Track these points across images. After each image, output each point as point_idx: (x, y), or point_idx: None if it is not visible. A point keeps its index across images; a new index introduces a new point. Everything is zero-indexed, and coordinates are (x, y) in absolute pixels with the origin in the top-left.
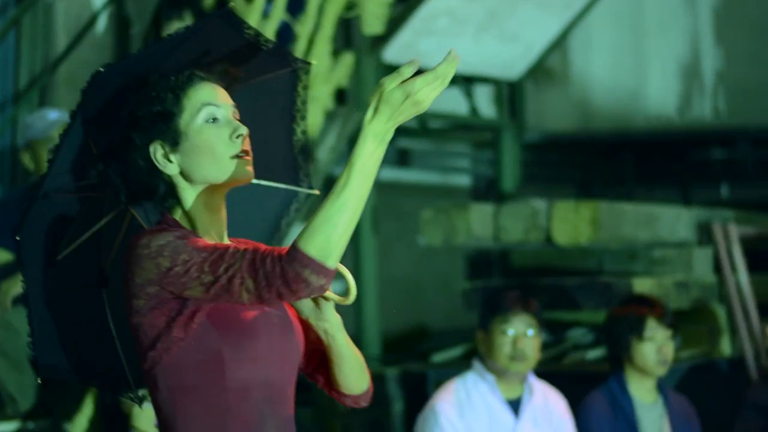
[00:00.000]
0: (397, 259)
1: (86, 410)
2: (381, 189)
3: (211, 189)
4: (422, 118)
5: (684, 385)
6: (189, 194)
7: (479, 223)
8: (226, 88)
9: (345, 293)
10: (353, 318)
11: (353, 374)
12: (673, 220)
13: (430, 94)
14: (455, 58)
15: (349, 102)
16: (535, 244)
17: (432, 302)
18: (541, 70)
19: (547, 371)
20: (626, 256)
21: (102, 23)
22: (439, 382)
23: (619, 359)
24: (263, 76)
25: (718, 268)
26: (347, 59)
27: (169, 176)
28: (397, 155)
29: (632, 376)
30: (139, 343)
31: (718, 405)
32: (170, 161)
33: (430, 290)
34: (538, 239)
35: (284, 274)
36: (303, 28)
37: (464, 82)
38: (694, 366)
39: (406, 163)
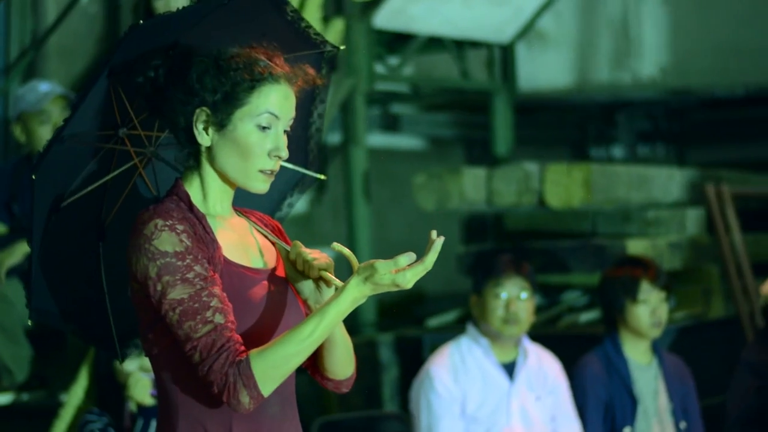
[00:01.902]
0: (390, 224)
1: (81, 381)
2: (373, 155)
3: (224, 178)
4: (414, 84)
5: (678, 345)
6: (207, 169)
7: (472, 188)
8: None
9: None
10: None
11: (341, 360)
12: (666, 181)
13: (413, 280)
14: (439, 243)
15: (340, 68)
16: (528, 207)
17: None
18: (533, 33)
19: (541, 334)
20: (619, 218)
21: None
22: (435, 347)
23: (613, 321)
24: (293, 53)
25: (711, 228)
26: (337, 25)
27: (198, 143)
28: (389, 121)
29: (626, 337)
30: (140, 321)
31: (713, 365)
32: (207, 134)
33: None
34: (531, 202)
35: (226, 376)
36: None
37: (455, 46)
38: (689, 326)
39: (399, 128)
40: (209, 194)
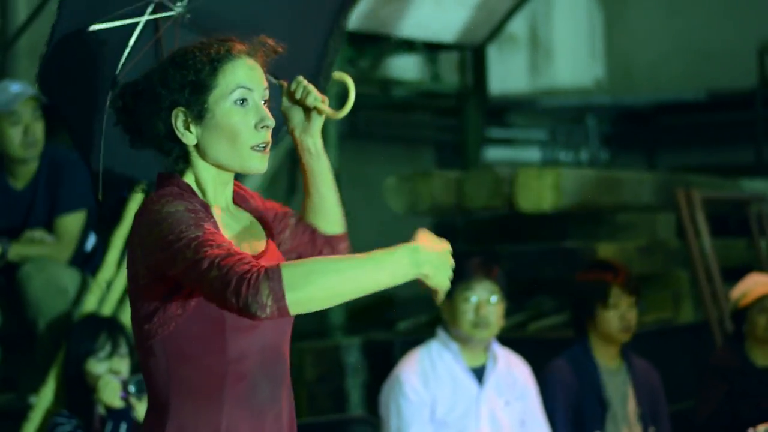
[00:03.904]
0: (361, 226)
1: (50, 383)
2: (345, 157)
3: (220, 168)
4: (386, 86)
5: (648, 350)
6: (200, 165)
7: (443, 191)
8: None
9: (338, 108)
10: None
11: (328, 206)
12: (636, 186)
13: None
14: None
15: None
16: (499, 210)
17: None
18: (504, 36)
19: (510, 338)
20: (589, 222)
21: None
22: (405, 351)
23: (582, 326)
24: None
25: (681, 233)
26: None
27: (185, 144)
28: (361, 123)
29: (596, 342)
30: (136, 311)
31: (682, 370)
32: (189, 131)
33: None
34: (502, 206)
35: (249, 286)
36: None
37: (426, 49)
38: (658, 331)
39: (371, 131)
40: (207, 190)
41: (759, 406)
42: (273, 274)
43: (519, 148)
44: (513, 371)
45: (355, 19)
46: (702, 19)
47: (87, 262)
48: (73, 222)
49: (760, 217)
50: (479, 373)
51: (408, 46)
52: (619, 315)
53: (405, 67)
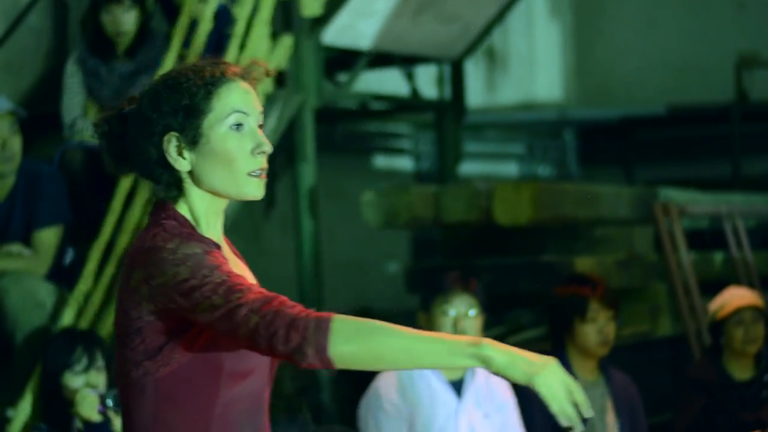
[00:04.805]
0: (339, 241)
1: (28, 396)
2: (323, 171)
3: (215, 196)
4: (364, 100)
5: (626, 363)
6: (194, 193)
7: (420, 205)
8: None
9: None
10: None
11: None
12: (614, 199)
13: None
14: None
15: (289, 84)
16: (477, 224)
17: (374, 284)
18: (484, 50)
19: None
20: (567, 236)
21: (39, 8)
22: None
23: (560, 339)
24: None
25: (659, 246)
26: (286, 41)
27: (177, 171)
28: (339, 137)
29: (574, 355)
30: (133, 348)
31: (660, 383)
32: (183, 157)
33: (373, 272)
34: (480, 219)
35: (298, 333)
36: (241, 11)
37: (405, 63)
38: (636, 344)
39: (349, 144)
40: (200, 220)
41: (736, 419)
42: (322, 324)
43: (496, 162)
44: (491, 384)
45: (333, 34)
46: (679, 34)
47: (64, 276)
48: (50, 236)
49: (736, 231)
50: (458, 386)
51: (386, 60)
52: (597, 329)
53: (383, 81)
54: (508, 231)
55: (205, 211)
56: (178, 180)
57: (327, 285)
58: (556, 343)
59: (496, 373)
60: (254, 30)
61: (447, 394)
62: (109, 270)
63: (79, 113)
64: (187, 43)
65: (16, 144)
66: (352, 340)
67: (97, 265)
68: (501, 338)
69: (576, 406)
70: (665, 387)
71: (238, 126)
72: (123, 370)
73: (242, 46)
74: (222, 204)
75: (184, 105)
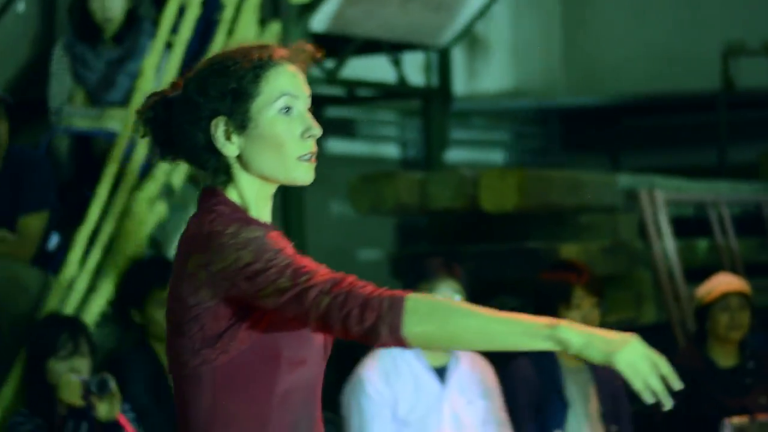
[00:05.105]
0: (325, 227)
1: (11, 382)
2: None
3: (264, 181)
4: (350, 87)
5: None
6: (243, 179)
7: (407, 191)
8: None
9: None
10: None
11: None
12: (599, 187)
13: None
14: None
15: None
16: (463, 211)
17: (359, 270)
18: (470, 38)
19: None
20: (553, 223)
21: None
22: (367, 350)
23: None
24: None
25: (644, 234)
26: (274, 28)
27: (225, 156)
28: (325, 124)
29: None
30: (191, 336)
31: None
32: (231, 142)
33: (358, 258)
34: (466, 206)
35: (373, 312)
36: None
37: (392, 50)
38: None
39: (336, 131)
40: (251, 206)
41: (721, 406)
42: (396, 303)
43: (482, 149)
44: (475, 370)
45: (321, 20)
46: (666, 21)
47: (49, 262)
48: (35, 221)
49: (721, 219)
50: (441, 373)
51: (373, 46)
52: (581, 315)
53: (370, 68)
54: (494, 218)
55: (255, 197)
56: (226, 165)
57: None
58: None
59: (575, 356)
60: (242, 16)
61: (431, 380)
62: (95, 256)
63: (65, 99)
64: (175, 29)
65: (2, 130)
66: (426, 320)
67: (82, 251)
68: None
69: (663, 379)
70: None
71: (287, 109)
72: (179, 359)
73: (230, 33)
74: (271, 189)
75: (232, 89)
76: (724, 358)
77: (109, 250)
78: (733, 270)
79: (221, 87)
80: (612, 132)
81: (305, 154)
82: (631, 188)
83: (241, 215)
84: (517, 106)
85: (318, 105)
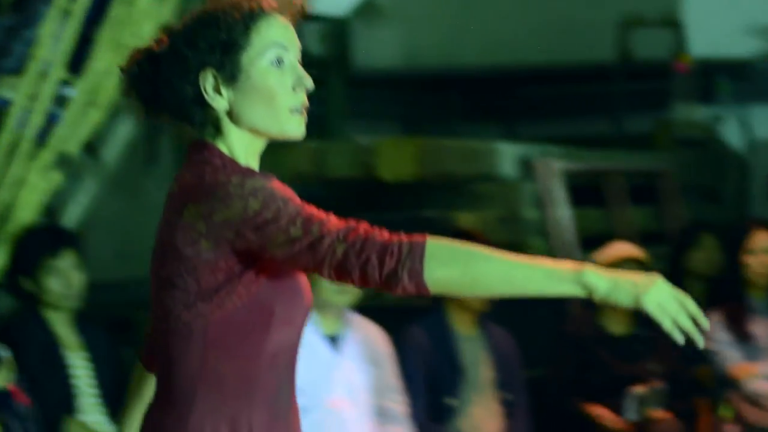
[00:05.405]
0: None
1: None
2: None
3: (255, 135)
4: None
5: (504, 317)
6: (233, 133)
7: (304, 161)
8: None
9: None
10: None
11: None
12: (496, 156)
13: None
14: None
15: None
16: (360, 180)
17: None
18: (368, 7)
19: (369, 306)
20: (450, 192)
21: None
22: None
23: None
24: None
25: (540, 203)
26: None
27: (214, 110)
28: None
29: (453, 309)
30: (184, 289)
31: (538, 338)
32: (220, 95)
33: None
34: (363, 176)
35: (392, 257)
36: None
37: None
38: (515, 300)
39: None
40: (240, 161)
41: (612, 373)
42: (416, 248)
43: (380, 118)
44: (369, 338)
45: None
46: None
47: None
48: None
49: (616, 188)
50: (335, 341)
51: None
52: None
53: None
54: (391, 187)
55: (245, 152)
56: (215, 119)
57: None
58: (435, 297)
59: (601, 301)
60: None
61: (324, 348)
62: None
63: None
64: None
65: None
66: (448, 264)
67: None
68: (380, 294)
69: (693, 320)
70: (543, 342)
71: (279, 61)
72: (168, 313)
73: (129, 3)
74: (261, 144)
75: (222, 40)
76: (616, 325)
77: (3, 219)
78: (628, 239)
79: (210, 39)
80: (509, 102)
81: (297, 106)
82: (527, 158)
83: (239, 166)
84: (415, 75)
85: None
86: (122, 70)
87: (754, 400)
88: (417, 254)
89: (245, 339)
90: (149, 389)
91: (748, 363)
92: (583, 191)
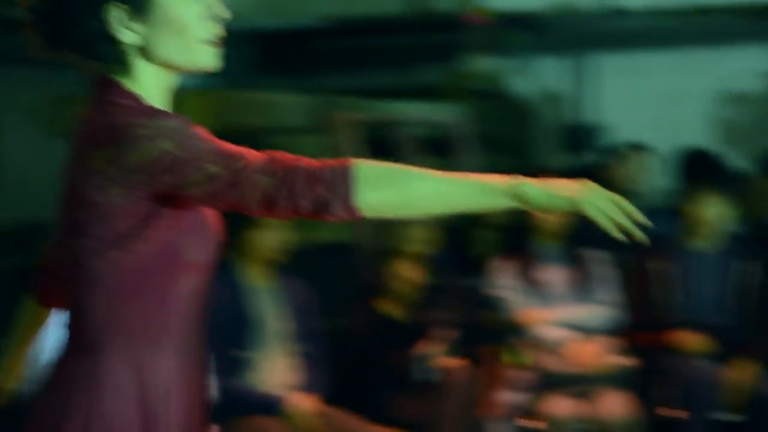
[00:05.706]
0: (20, 153)
1: None
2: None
3: (167, 70)
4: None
5: (301, 268)
6: (142, 69)
7: None
8: None
9: None
10: None
11: None
12: (286, 108)
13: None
14: None
15: None
16: None
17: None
18: None
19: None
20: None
21: None
22: None
23: (230, 245)
24: None
25: (335, 155)
26: None
27: (122, 45)
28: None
29: (245, 260)
30: (93, 236)
31: (335, 288)
32: (128, 28)
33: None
34: None
35: (322, 183)
36: None
37: None
38: (311, 250)
39: (25, 56)
40: (151, 98)
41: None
42: (345, 172)
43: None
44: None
45: None
46: None
47: None
48: None
49: (409, 139)
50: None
51: None
52: (270, 235)
53: None
54: None
55: (156, 89)
56: (122, 54)
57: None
58: (229, 248)
59: (538, 209)
60: None
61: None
62: None
63: None
64: None
65: None
66: (380, 186)
67: None
68: None
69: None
70: (339, 292)
71: None
72: (76, 260)
73: None
74: (172, 80)
75: None
76: (407, 272)
77: None
78: None
79: None
80: (304, 55)
81: (210, 37)
82: (320, 110)
83: (148, 106)
84: None
85: (7, 28)
86: (22, 5)
87: (542, 346)
88: (346, 178)
89: (155, 287)
90: (40, 323)
91: (536, 309)
92: (378, 143)
